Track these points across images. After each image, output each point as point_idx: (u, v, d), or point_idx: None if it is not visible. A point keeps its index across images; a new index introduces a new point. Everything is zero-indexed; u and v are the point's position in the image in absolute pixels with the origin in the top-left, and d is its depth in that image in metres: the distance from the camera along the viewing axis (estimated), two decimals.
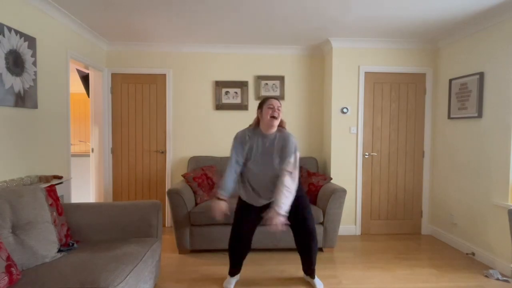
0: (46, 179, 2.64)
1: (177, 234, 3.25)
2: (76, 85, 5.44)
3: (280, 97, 4.21)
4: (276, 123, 2.35)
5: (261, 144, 2.38)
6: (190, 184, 3.51)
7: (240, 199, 2.56)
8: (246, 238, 2.55)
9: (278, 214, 2.17)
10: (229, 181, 2.39)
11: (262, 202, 2.45)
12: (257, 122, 2.46)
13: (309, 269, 2.64)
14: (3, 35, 2.32)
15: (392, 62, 3.93)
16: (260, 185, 2.41)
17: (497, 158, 3.01)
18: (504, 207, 2.90)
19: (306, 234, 2.52)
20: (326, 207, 3.28)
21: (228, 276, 2.65)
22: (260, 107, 2.40)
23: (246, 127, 2.51)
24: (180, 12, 3.06)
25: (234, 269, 2.63)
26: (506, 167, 2.92)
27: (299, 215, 2.49)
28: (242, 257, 2.60)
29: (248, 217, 2.51)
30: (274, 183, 2.35)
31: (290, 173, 2.30)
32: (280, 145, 2.36)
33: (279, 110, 2.34)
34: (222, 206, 2.35)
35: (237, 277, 2.67)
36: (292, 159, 2.32)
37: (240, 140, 2.41)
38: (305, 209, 2.52)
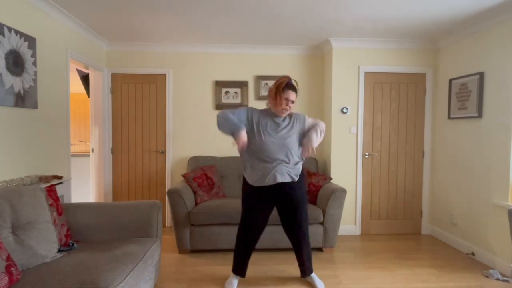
0: (46, 179, 2.64)
1: (177, 234, 3.25)
2: (76, 85, 5.44)
3: None
4: (286, 113, 2.44)
5: (272, 123, 2.42)
6: (190, 184, 3.51)
7: (246, 185, 2.51)
8: (259, 229, 2.52)
9: (311, 142, 2.39)
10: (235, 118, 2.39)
11: (270, 182, 2.39)
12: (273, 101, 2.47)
13: (304, 268, 2.63)
14: (3, 35, 2.32)
15: (392, 62, 3.93)
16: (270, 165, 2.37)
17: (497, 158, 3.01)
18: (504, 207, 2.90)
19: (298, 235, 2.53)
20: (326, 207, 3.28)
21: (231, 275, 2.62)
22: (278, 90, 2.38)
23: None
24: (180, 12, 3.06)
25: (240, 267, 2.59)
26: (506, 167, 2.92)
27: (293, 214, 2.48)
28: (250, 252, 2.57)
29: (260, 204, 2.47)
30: (284, 162, 2.39)
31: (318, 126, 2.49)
32: (297, 124, 2.47)
33: (292, 103, 2.41)
34: (245, 136, 2.32)
35: (238, 277, 2.65)
36: (310, 121, 2.52)
37: (249, 111, 2.46)
38: (301, 210, 2.49)
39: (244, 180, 2.54)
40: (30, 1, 2.63)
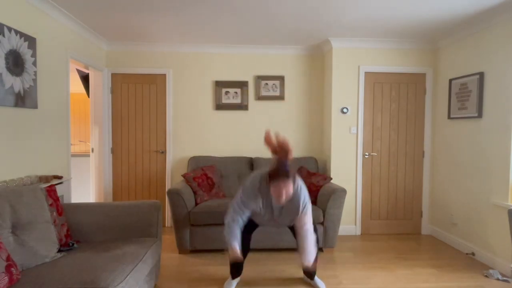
0: (46, 179, 2.64)
1: (177, 234, 3.25)
2: (76, 85, 5.44)
3: (280, 97, 4.21)
4: (284, 201, 2.18)
5: (269, 209, 2.31)
6: (190, 184, 3.51)
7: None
8: (248, 238, 2.56)
9: (309, 263, 2.30)
10: (237, 234, 2.29)
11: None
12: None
13: (308, 271, 2.63)
14: (3, 35, 2.32)
15: (392, 62, 3.93)
16: (267, 228, 2.53)
17: (497, 158, 3.01)
18: (504, 207, 2.90)
19: (303, 233, 2.46)
20: (326, 207, 3.28)
21: (230, 277, 2.65)
22: (270, 180, 2.12)
23: (259, 174, 2.30)
24: (180, 12, 3.06)
25: (237, 272, 2.62)
26: (506, 167, 2.92)
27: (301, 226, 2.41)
28: (244, 258, 2.58)
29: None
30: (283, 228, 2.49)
31: (308, 229, 2.30)
32: (290, 208, 2.28)
33: (287, 194, 2.11)
34: (239, 254, 2.27)
35: (237, 279, 2.67)
36: (307, 217, 2.29)
37: (248, 196, 2.26)
38: (308, 223, 2.37)
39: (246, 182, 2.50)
40: (30, 1, 2.63)
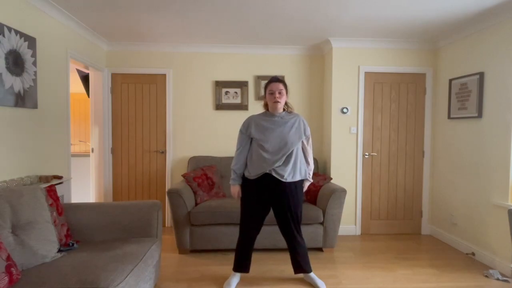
0: (46, 179, 2.64)
1: (177, 234, 3.25)
2: (76, 85, 5.44)
3: None
4: (280, 106, 2.49)
5: (271, 123, 2.48)
6: (190, 184, 3.51)
7: (245, 184, 2.55)
8: (258, 224, 2.56)
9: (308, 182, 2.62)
10: (241, 167, 2.55)
11: (270, 169, 2.43)
12: (266, 104, 2.59)
13: (300, 268, 2.63)
14: (3, 35, 2.32)
15: (392, 62, 3.93)
16: (270, 159, 2.42)
17: (497, 158, 3.01)
18: (504, 207, 2.90)
19: (291, 234, 2.57)
20: (326, 207, 3.28)
21: (232, 274, 2.63)
22: (265, 91, 2.55)
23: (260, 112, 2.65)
24: (180, 12, 3.06)
25: (244, 263, 2.61)
26: (506, 167, 2.92)
27: (287, 215, 2.51)
28: (251, 247, 2.60)
29: (257, 201, 2.51)
30: (286, 157, 2.44)
31: (309, 153, 2.61)
32: (294, 128, 2.48)
33: (280, 94, 2.46)
34: (239, 189, 2.58)
35: (238, 277, 2.66)
36: (310, 141, 2.61)
37: (246, 128, 2.54)
38: (296, 211, 2.52)
39: (243, 179, 2.57)
40: (30, 1, 2.63)
